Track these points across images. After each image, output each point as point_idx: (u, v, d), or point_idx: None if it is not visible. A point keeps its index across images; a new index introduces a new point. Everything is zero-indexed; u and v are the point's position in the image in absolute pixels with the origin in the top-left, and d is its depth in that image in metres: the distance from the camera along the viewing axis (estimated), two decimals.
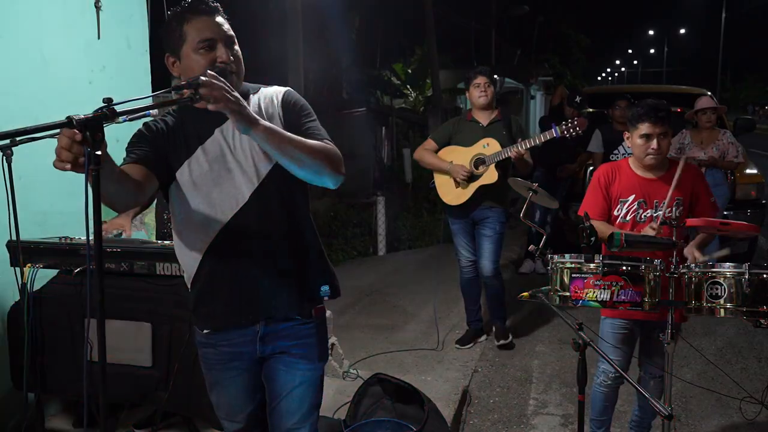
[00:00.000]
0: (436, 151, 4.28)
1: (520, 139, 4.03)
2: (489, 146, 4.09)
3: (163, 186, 1.79)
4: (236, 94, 1.52)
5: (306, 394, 1.89)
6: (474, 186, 4.11)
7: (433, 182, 4.31)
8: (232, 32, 1.76)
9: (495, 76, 4.37)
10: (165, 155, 1.76)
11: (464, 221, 4.29)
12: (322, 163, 1.67)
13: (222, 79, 1.51)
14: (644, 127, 2.61)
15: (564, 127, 3.85)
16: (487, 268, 4.27)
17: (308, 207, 1.93)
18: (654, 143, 2.60)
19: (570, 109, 6.18)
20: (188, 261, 1.83)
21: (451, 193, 4.22)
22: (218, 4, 1.78)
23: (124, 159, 1.73)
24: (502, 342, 4.48)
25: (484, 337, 4.55)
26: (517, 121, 4.39)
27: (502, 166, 4.08)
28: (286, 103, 1.81)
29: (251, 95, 1.83)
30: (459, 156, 4.18)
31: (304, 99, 1.87)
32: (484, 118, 4.23)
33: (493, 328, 4.58)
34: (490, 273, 4.28)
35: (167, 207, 2.93)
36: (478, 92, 4.19)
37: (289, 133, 1.63)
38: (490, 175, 4.07)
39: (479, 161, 4.11)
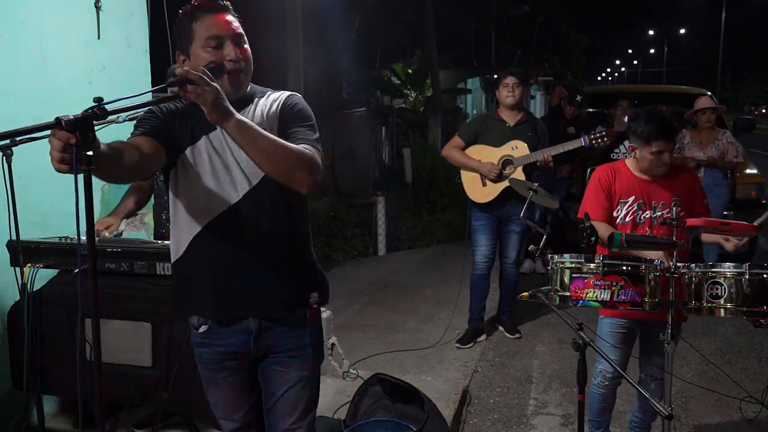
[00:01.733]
0: (464, 149, 4.37)
1: (550, 147, 4.18)
2: (518, 149, 4.21)
3: (165, 167, 1.79)
4: (215, 84, 1.49)
5: (302, 394, 1.89)
6: (501, 186, 4.20)
7: (459, 178, 4.41)
8: (241, 30, 1.76)
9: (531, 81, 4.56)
10: (173, 134, 1.76)
11: (490, 218, 4.38)
12: (292, 166, 1.63)
13: (202, 70, 1.49)
14: (658, 145, 2.61)
15: (593, 136, 4.01)
16: (511, 259, 4.47)
17: (306, 215, 1.92)
18: (666, 157, 2.63)
19: (571, 108, 6.21)
20: (177, 240, 1.84)
21: (478, 190, 4.31)
22: (228, 2, 1.77)
23: (132, 133, 1.72)
24: (517, 336, 4.63)
25: (483, 337, 4.55)
26: (542, 124, 4.50)
27: (526, 167, 4.21)
28: (285, 105, 1.81)
29: (258, 98, 1.83)
30: (487, 155, 4.26)
31: (305, 100, 1.87)
32: (511, 118, 4.33)
33: (501, 323, 4.72)
34: (512, 261, 4.49)
35: (166, 207, 2.93)
36: (506, 92, 4.30)
37: (263, 131, 1.59)
38: (517, 176, 4.13)
39: (507, 162, 4.22)
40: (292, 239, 1.86)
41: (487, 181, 4.26)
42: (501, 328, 4.73)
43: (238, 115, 1.55)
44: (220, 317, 1.84)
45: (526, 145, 4.20)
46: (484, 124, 4.40)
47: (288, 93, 1.86)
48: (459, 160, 4.36)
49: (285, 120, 1.78)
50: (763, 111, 38.78)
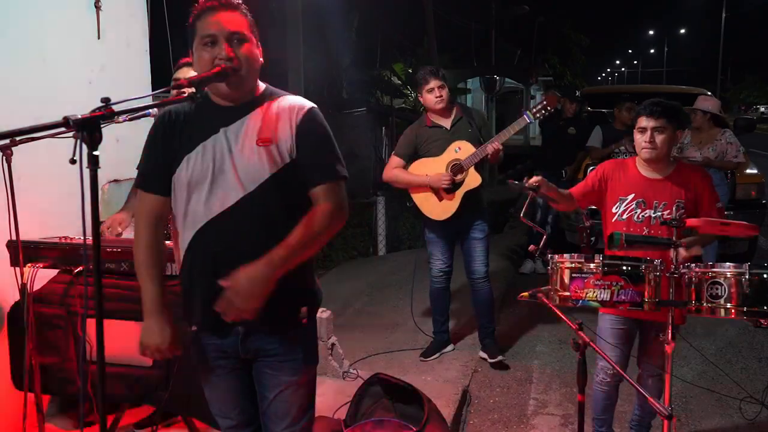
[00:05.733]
0: (405, 168, 4.01)
1: (496, 135, 3.79)
2: (461, 150, 3.84)
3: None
4: (252, 306, 1.65)
5: (292, 399, 1.86)
6: (460, 194, 3.86)
7: (411, 202, 4.05)
8: (243, 30, 1.74)
9: (442, 72, 3.98)
10: (171, 160, 1.79)
11: (446, 230, 4.03)
12: (330, 233, 1.78)
13: (239, 297, 1.64)
14: (641, 121, 2.66)
15: (534, 110, 3.72)
16: (480, 272, 4.04)
17: None
18: (647, 136, 2.62)
19: (571, 104, 6.24)
20: (177, 251, 1.86)
21: (436, 207, 3.94)
22: (239, 1, 1.77)
23: (140, 183, 1.84)
24: (499, 359, 4.10)
25: (450, 347, 4.29)
26: (479, 112, 4.24)
27: (479, 165, 3.85)
28: (301, 129, 1.78)
29: (269, 101, 1.81)
30: (432, 167, 3.90)
31: (305, 100, 1.86)
32: (446, 121, 3.94)
33: (483, 347, 4.20)
34: (482, 275, 4.05)
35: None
36: (433, 98, 3.87)
37: (297, 243, 1.69)
38: (473, 179, 3.83)
39: (456, 167, 3.85)
40: None
41: (444, 195, 3.89)
42: (483, 354, 4.18)
43: (272, 262, 1.66)
44: (207, 325, 1.84)
45: (468, 142, 3.82)
46: (420, 136, 3.98)
47: (306, 107, 1.82)
48: (404, 180, 3.96)
49: (302, 145, 1.77)
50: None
